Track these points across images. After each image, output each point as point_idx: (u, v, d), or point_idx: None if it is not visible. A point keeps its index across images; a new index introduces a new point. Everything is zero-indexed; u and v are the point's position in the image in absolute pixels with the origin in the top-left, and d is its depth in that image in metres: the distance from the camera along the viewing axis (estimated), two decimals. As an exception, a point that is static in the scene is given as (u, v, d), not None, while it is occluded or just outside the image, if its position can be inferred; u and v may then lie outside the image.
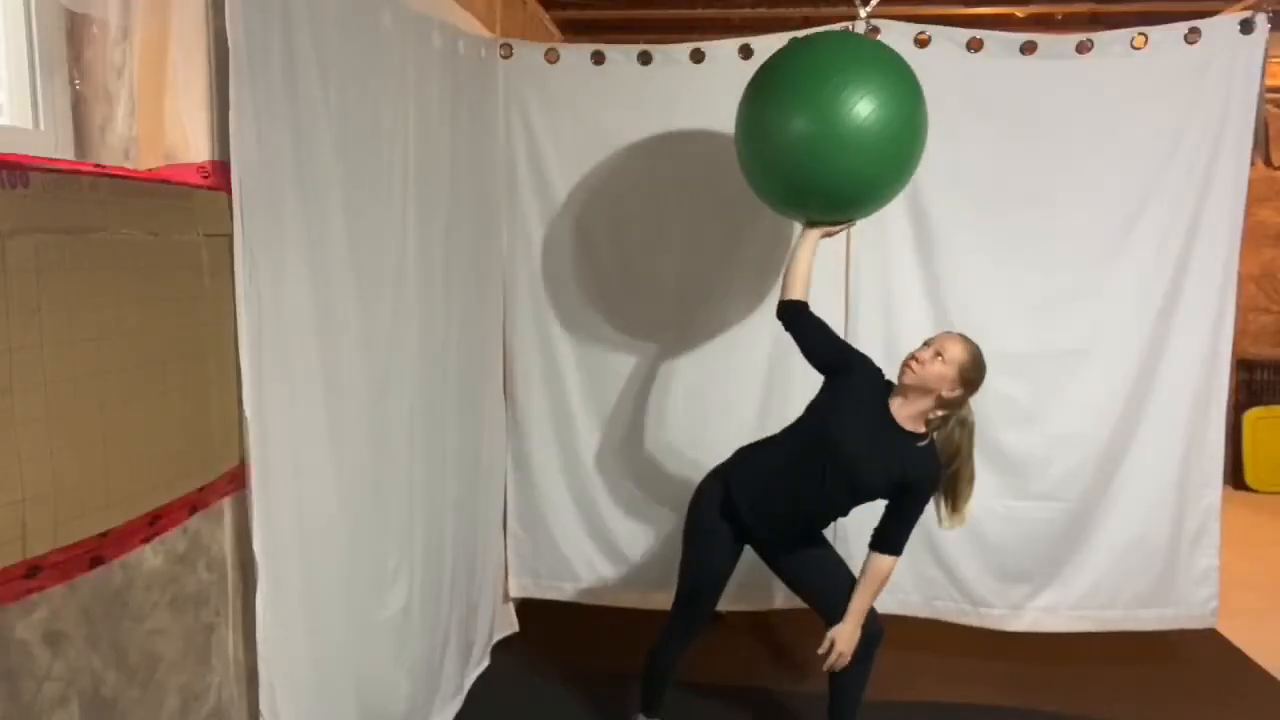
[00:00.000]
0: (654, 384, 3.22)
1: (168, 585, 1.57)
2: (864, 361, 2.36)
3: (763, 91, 2.39)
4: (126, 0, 1.58)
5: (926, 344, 2.26)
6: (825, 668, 2.33)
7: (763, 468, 2.42)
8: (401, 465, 2.39)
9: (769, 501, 2.38)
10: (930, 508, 2.34)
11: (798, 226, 3.04)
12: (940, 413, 2.24)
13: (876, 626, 2.41)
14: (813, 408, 2.39)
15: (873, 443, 2.26)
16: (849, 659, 2.31)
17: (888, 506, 2.32)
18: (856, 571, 2.38)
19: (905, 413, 2.25)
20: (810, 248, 2.43)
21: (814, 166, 2.27)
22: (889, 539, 2.30)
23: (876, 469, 2.26)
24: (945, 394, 2.21)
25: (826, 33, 2.63)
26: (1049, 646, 3.15)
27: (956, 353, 2.20)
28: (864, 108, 2.19)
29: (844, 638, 2.31)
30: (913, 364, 2.22)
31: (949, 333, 2.30)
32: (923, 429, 2.25)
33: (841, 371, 2.34)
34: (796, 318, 2.39)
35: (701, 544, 2.46)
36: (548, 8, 4.22)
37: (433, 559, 2.62)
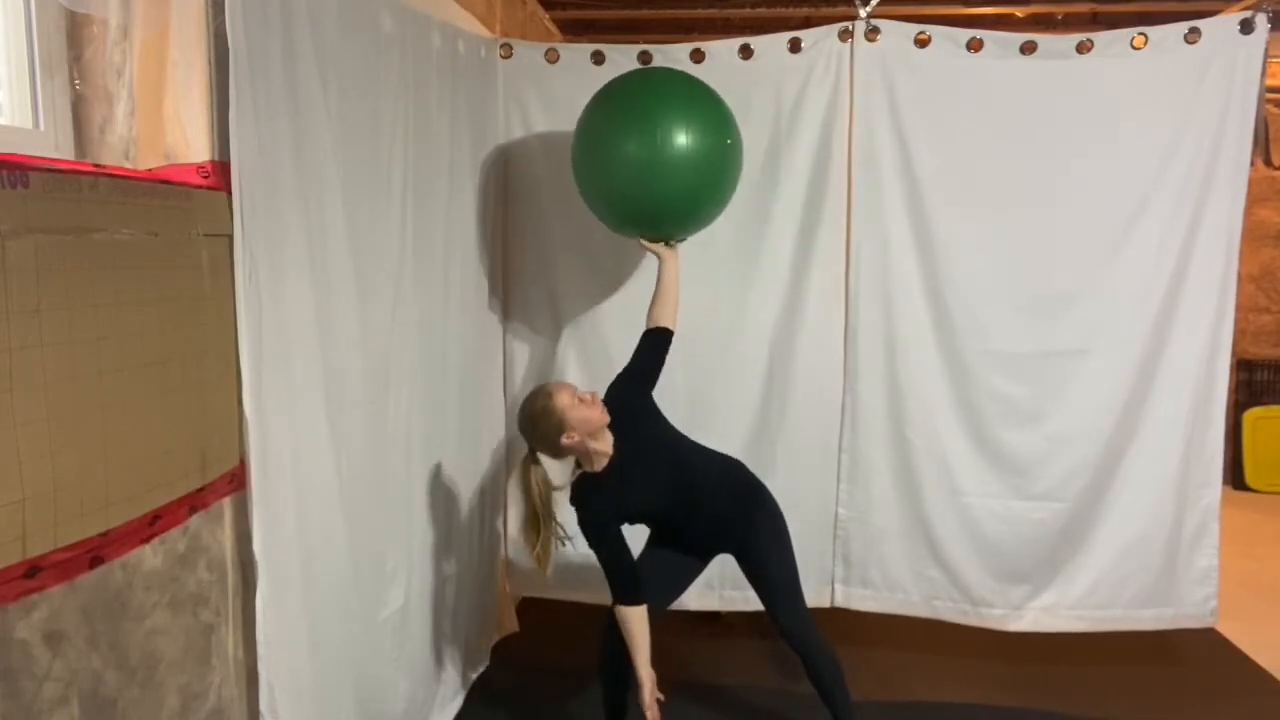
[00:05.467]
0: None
1: (168, 585, 1.57)
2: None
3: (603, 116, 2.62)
4: (126, 0, 1.58)
5: (583, 400, 2.36)
6: None
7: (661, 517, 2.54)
8: (401, 465, 2.40)
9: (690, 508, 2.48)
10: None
11: (803, 228, 3.07)
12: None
13: (807, 623, 2.46)
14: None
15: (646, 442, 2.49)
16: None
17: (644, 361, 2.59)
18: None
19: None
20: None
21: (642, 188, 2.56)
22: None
23: (651, 428, 2.54)
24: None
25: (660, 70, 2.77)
26: (1049, 646, 3.14)
27: None
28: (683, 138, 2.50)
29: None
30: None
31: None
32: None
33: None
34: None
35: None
36: (548, 8, 4.22)
37: (432, 559, 2.62)
